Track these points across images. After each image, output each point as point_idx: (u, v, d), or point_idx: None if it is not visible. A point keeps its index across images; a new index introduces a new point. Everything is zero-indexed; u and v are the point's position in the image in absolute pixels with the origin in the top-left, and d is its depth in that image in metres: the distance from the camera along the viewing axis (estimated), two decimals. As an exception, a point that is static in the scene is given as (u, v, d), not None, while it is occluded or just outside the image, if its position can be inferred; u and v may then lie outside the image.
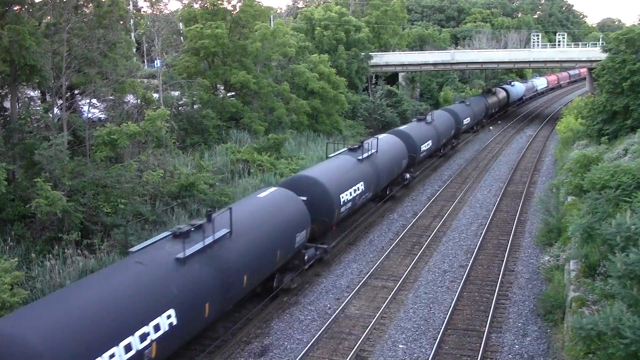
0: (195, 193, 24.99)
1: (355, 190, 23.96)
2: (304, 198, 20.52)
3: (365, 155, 26.29)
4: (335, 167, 24.32)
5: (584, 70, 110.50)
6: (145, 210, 22.60)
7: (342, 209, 22.85)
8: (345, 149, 27.23)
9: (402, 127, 36.18)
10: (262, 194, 19.45)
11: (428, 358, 15.78)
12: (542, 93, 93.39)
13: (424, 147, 35.46)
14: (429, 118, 39.25)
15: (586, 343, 11.31)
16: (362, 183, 24.73)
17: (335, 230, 24.41)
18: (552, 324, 17.20)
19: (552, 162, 41.49)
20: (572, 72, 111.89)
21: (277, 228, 17.89)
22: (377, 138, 28.97)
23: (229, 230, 15.29)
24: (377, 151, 27.59)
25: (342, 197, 22.72)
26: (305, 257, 20.50)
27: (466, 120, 48.47)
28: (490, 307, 18.57)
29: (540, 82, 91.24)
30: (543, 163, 41.98)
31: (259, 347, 16.56)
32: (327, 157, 27.60)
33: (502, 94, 66.56)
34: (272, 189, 20.29)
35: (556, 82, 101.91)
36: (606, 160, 25.29)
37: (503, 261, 22.53)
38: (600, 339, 10.77)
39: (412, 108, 58.72)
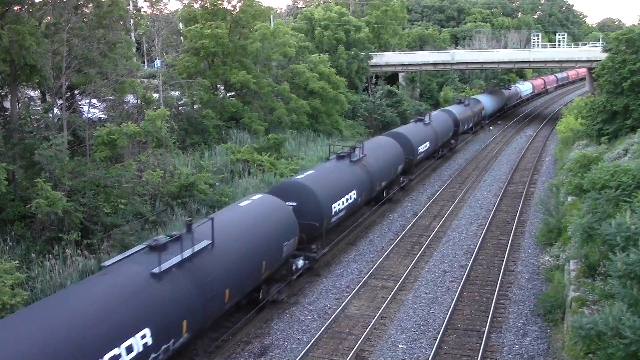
0: (195, 193, 25.01)
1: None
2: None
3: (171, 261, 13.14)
4: None
5: (572, 73, 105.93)
6: (145, 210, 22.60)
7: None
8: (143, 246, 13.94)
9: (300, 177, 22.11)
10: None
11: (428, 358, 15.77)
12: (528, 100, 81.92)
13: (338, 206, 22.06)
14: (357, 153, 26.08)
15: (586, 343, 11.30)
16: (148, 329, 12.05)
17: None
18: (552, 324, 17.20)
19: (552, 162, 41.49)
20: (559, 75, 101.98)
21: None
22: (211, 221, 14.84)
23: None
24: (212, 244, 14.59)
25: None
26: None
27: (423, 147, 35.32)
28: (490, 307, 18.56)
29: (525, 88, 78.83)
30: (543, 163, 41.98)
31: (259, 347, 16.56)
32: None
33: (477, 106, 54.50)
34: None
35: (542, 86, 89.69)
36: (606, 160, 25.28)
37: (503, 261, 22.52)
38: (600, 339, 10.76)
39: (412, 108, 58.72)
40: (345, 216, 23.68)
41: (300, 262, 20.22)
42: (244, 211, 17.69)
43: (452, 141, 45.45)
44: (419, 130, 36.22)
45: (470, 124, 51.59)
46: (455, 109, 47.82)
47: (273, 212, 18.34)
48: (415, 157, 33.63)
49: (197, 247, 13.93)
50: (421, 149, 34.91)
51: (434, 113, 43.33)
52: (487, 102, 58.34)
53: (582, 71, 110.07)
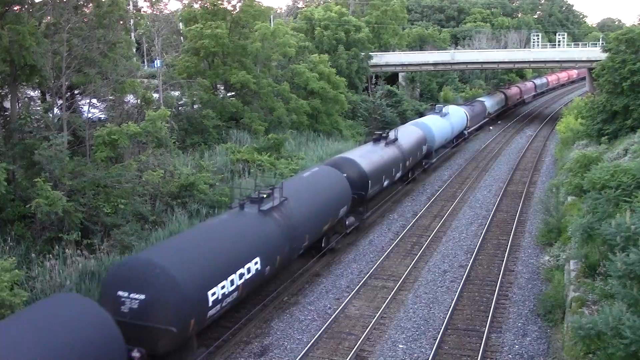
0: (195, 193, 25.01)
1: None
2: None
3: None
4: None
5: (552, 79, 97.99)
6: (145, 210, 22.59)
7: None
8: None
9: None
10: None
11: (428, 358, 15.78)
12: (499, 115, 64.52)
13: None
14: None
15: (586, 343, 11.30)
16: None
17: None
18: (552, 324, 17.21)
19: (552, 162, 41.50)
20: (537, 81, 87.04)
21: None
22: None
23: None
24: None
25: None
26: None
27: (227, 288, 14.74)
28: (490, 307, 18.57)
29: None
30: (543, 163, 42.00)
31: (259, 347, 16.57)
32: None
33: (414, 140, 32.89)
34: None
35: (518, 96, 73.92)
36: (606, 160, 25.28)
37: (503, 261, 22.53)
38: (600, 339, 10.76)
39: (412, 108, 58.68)
40: None
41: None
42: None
43: (352, 219, 24.69)
44: (229, 241, 15.90)
45: (399, 173, 29.71)
46: (364, 154, 26.88)
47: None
48: (190, 328, 13.72)
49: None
50: (220, 289, 14.53)
51: (306, 174, 23.04)
52: (435, 129, 37.16)
53: (563, 76, 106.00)
